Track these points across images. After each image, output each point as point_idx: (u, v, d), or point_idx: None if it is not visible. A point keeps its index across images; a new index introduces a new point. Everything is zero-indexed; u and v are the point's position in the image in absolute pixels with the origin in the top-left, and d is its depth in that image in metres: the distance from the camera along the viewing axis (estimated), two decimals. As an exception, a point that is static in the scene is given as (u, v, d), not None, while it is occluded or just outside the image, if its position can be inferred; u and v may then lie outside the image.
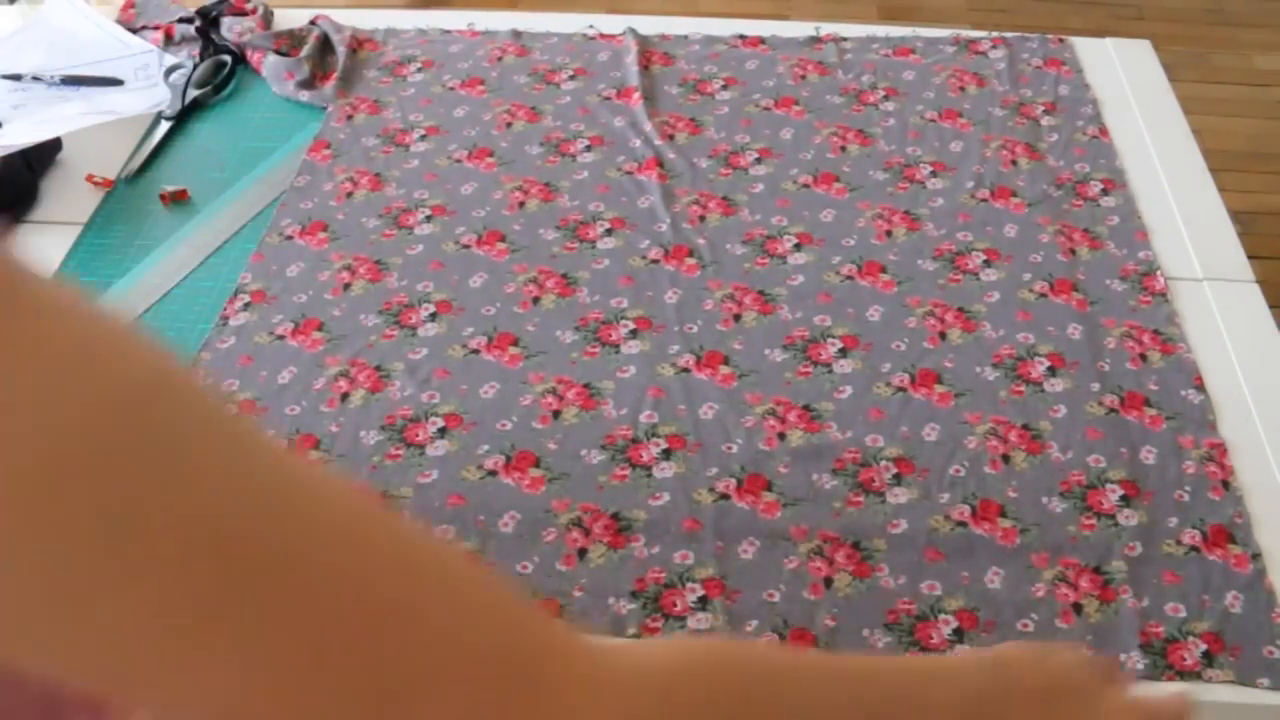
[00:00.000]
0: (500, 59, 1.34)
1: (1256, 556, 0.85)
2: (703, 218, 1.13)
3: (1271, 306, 1.05)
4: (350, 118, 1.26)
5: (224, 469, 0.37)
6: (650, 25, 1.40)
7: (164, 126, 1.26)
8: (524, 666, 0.43)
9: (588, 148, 1.21)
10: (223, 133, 1.26)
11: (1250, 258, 1.10)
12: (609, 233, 1.12)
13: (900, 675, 0.56)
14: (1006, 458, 0.91)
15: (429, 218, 1.14)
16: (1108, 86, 1.30)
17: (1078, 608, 0.82)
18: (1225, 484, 0.90)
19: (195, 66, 1.31)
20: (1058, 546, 0.86)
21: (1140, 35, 1.41)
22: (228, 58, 1.34)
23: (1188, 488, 0.89)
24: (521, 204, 1.15)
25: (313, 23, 1.37)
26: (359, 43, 1.36)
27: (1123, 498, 0.89)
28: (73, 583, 0.33)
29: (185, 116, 1.28)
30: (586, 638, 0.45)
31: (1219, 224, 1.14)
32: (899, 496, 0.89)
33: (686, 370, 0.99)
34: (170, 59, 1.33)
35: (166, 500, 0.35)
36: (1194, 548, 0.86)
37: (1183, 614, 0.82)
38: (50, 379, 0.33)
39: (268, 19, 1.39)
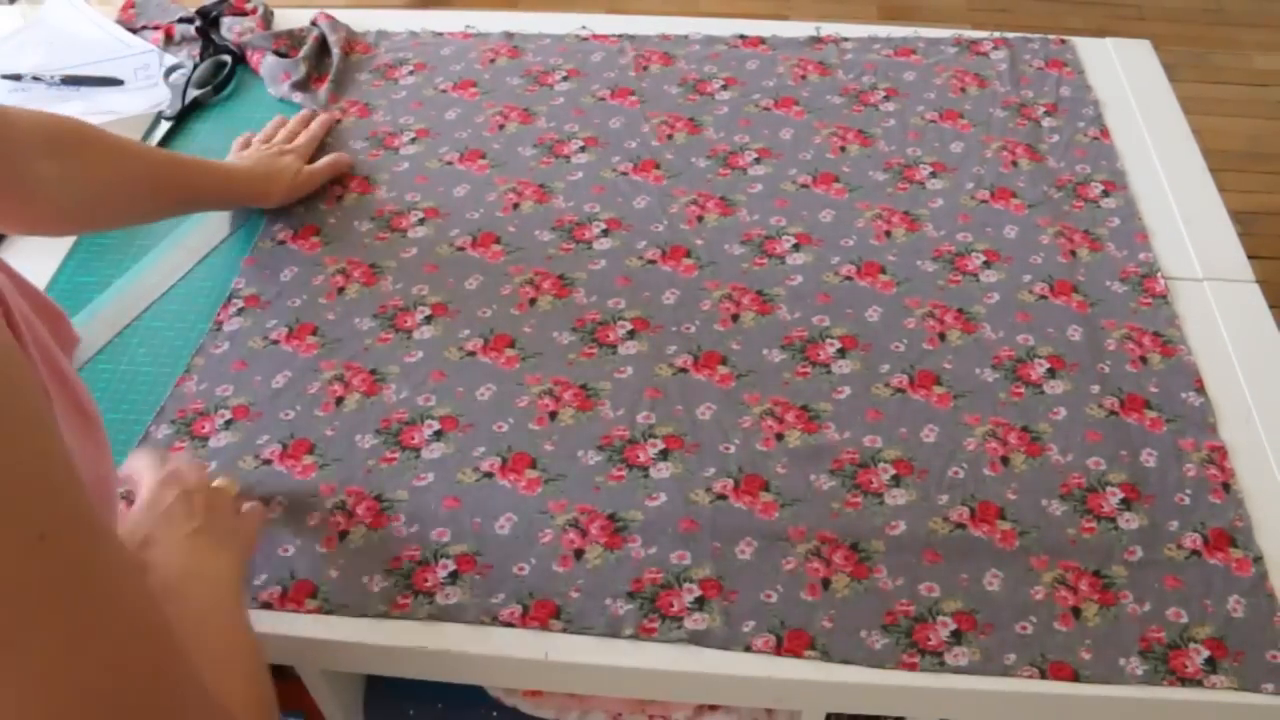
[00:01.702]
0: (493, 61, 1.33)
1: (1258, 560, 0.84)
2: (700, 218, 1.13)
3: (1271, 306, 1.04)
4: (338, 121, 1.25)
5: (55, 467, 0.39)
6: (650, 25, 1.40)
7: (164, 126, 1.25)
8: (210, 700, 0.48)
9: (582, 148, 1.21)
10: (223, 133, 1.26)
11: (1250, 258, 1.09)
12: (605, 233, 1.11)
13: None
14: (1006, 460, 0.91)
15: (422, 220, 1.13)
16: (1108, 86, 1.29)
17: (1077, 612, 0.82)
18: (1226, 486, 0.89)
19: (195, 66, 1.31)
20: (1057, 549, 0.85)
21: (1140, 35, 1.41)
22: (228, 58, 1.34)
23: (1188, 491, 0.89)
24: (516, 205, 1.15)
25: (313, 23, 1.37)
26: (351, 46, 1.36)
27: (1123, 501, 0.88)
28: None
29: (185, 116, 1.28)
30: None
31: (1219, 224, 1.13)
32: (897, 498, 0.89)
33: (684, 371, 0.98)
34: (170, 59, 1.33)
35: (12, 487, 0.36)
36: (1195, 551, 0.85)
37: (1184, 619, 0.81)
38: None
39: (268, 19, 1.39)
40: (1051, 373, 0.97)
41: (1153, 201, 1.14)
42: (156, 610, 0.42)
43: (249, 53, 1.34)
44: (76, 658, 0.37)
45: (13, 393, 0.39)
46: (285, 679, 0.98)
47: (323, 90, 1.29)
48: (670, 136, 1.22)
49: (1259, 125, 2.75)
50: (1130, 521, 0.87)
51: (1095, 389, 0.96)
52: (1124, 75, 1.31)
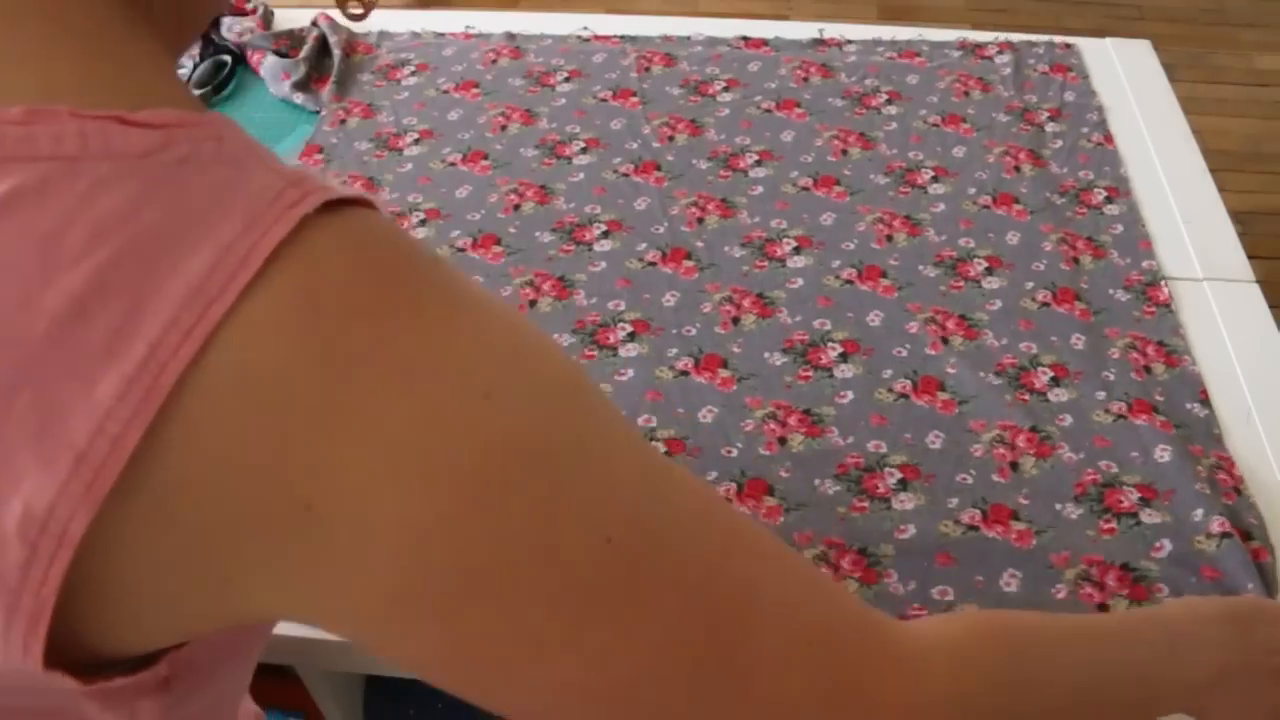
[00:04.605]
0: (495, 61, 1.33)
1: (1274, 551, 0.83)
2: (701, 220, 1.12)
3: (1271, 306, 1.04)
4: (343, 121, 1.25)
5: (620, 464, 0.41)
6: (650, 26, 1.39)
7: (162, 127, 1.25)
8: (841, 643, 0.45)
9: (584, 150, 1.21)
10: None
11: (1250, 258, 1.09)
12: (606, 235, 1.11)
13: (1153, 631, 0.59)
14: (1015, 465, 0.90)
15: (423, 221, 1.13)
16: (1108, 87, 1.29)
17: (1104, 609, 0.80)
18: (1237, 491, 0.88)
19: (195, 66, 1.31)
20: (1078, 547, 0.83)
21: (1140, 35, 1.41)
22: (228, 58, 1.33)
23: (1206, 485, 0.87)
24: (517, 206, 1.14)
25: (314, 24, 1.36)
26: (353, 47, 1.35)
27: (1142, 499, 0.87)
28: (498, 569, 0.37)
29: (184, 116, 1.27)
30: (880, 614, 0.47)
31: (1219, 224, 1.13)
32: (905, 502, 0.88)
33: (685, 373, 0.98)
34: (169, 59, 1.32)
35: (582, 493, 0.39)
36: (1227, 534, 0.83)
37: None
38: (494, 376, 0.37)
39: (267, 19, 1.39)
40: (1055, 381, 0.96)
41: (1153, 202, 1.14)
42: (724, 572, 0.42)
43: (249, 53, 1.34)
44: (627, 647, 0.40)
45: (587, 394, 0.41)
46: (285, 679, 0.98)
47: (325, 91, 1.28)
48: (672, 138, 1.22)
49: (1259, 125, 2.75)
50: (1153, 516, 0.85)
51: (1100, 396, 0.95)
52: (1124, 76, 1.31)
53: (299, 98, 1.28)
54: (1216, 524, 0.84)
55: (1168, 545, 0.83)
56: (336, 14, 1.36)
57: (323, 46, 1.34)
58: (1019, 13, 2.98)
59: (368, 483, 0.35)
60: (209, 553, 0.35)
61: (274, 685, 1.05)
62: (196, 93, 1.28)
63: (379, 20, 1.41)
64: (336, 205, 0.36)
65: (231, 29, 1.35)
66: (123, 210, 0.33)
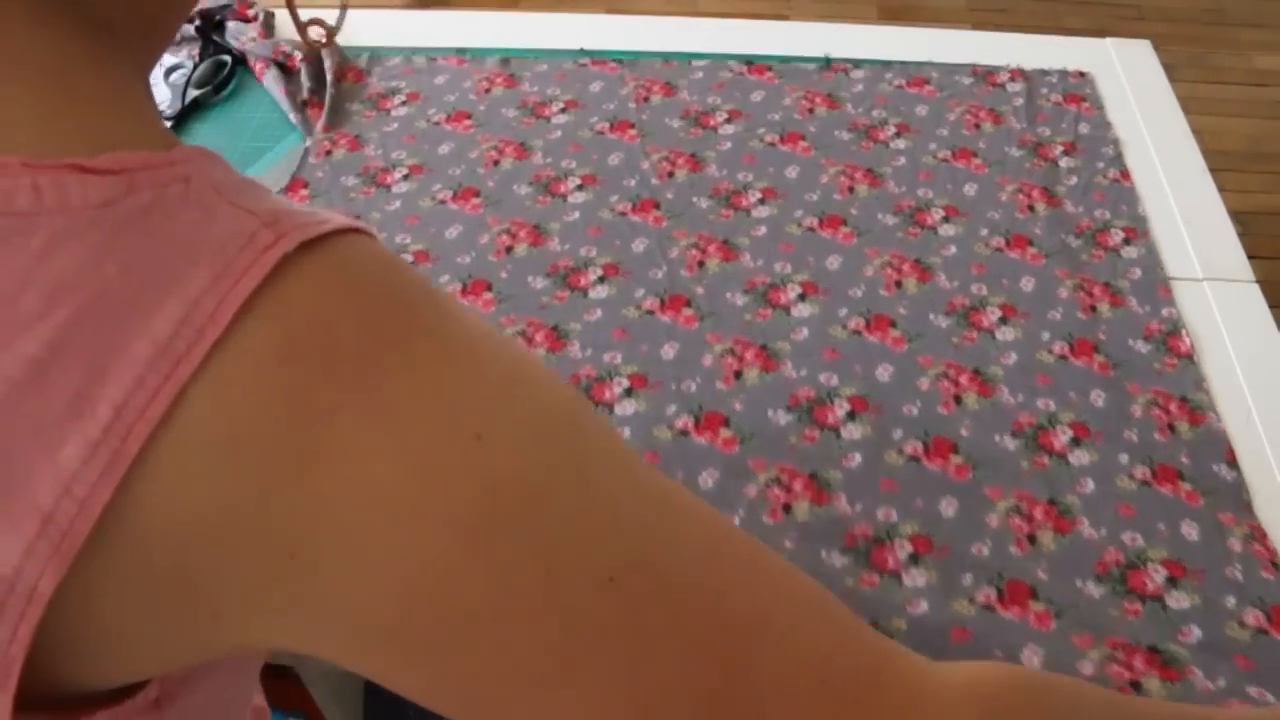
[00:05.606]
0: (488, 90, 1.28)
1: None
2: (702, 263, 1.08)
3: (1271, 306, 1.03)
4: (329, 153, 1.20)
5: (624, 498, 0.39)
6: (650, 26, 1.37)
7: (164, 126, 1.22)
8: (858, 682, 0.42)
9: (579, 187, 1.15)
10: (222, 133, 1.24)
11: (1250, 258, 1.09)
12: (602, 280, 1.06)
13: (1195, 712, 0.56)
14: (1032, 537, 0.86)
15: (411, 264, 1.08)
16: (1108, 87, 1.28)
17: (1136, 686, 0.76)
18: (1275, 565, 0.83)
19: (195, 67, 1.29)
20: (1101, 629, 0.79)
21: (1140, 35, 1.40)
22: (228, 58, 1.31)
23: (1238, 566, 0.83)
24: (509, 249, 1.09)
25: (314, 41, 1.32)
26: (343, 72, 1.30)
27: (1169, 579, 0.83)
28: (494, 611, 0.36)
29: (185, 116, 1.26)
30: (905, 652, 0.45)
31: (1219, 224, 1.13)
32: (917, 578, 0.84)
33: (685, 433, 0.93)
34: (170, 59, 1.31)
35: (582, 533, 0.37)
36: (1261, 630, 0.79)
37: (1270, 699, 0.75)
38: (487, 415, 0.36)
39: (269, 25, 1.36)
40: (1076, 441, 0.92)
41: (1153, 201, 1.14)
42: (732, 606, 0.40)
43: (251, 60, 1.31)
44: (634, 683, 0.38)
45: (586, 427, 0.39)
46: (285, 679, 0.97)
47: (319, 121, 1.24)
48: (671, 174, 1.17)
49: (1259, 125, 2.73)
50: (1180, 600, 0.81)
51: (1124, 459, 0.91)
52: (1124, 76, 1.30)
53: (294, 118, 1.25)
54: (1251, 616, 0.80)
55: (1196, 631, 0.79)
56: (336, 14, 1.32)
57: (319, 66, 1.30)
58: (1019, 13, 2.94)
59: (354, 532, 0.34)
60: (194, 598, 0.35)
61: (274, 685, 1.04)
62: (196, 93, 1.26)
63: (378, 20, 1.38)
64: (324, 238, 0.35)
65: (236, 36, 1.33)
66: (81, 267, 0.32)
